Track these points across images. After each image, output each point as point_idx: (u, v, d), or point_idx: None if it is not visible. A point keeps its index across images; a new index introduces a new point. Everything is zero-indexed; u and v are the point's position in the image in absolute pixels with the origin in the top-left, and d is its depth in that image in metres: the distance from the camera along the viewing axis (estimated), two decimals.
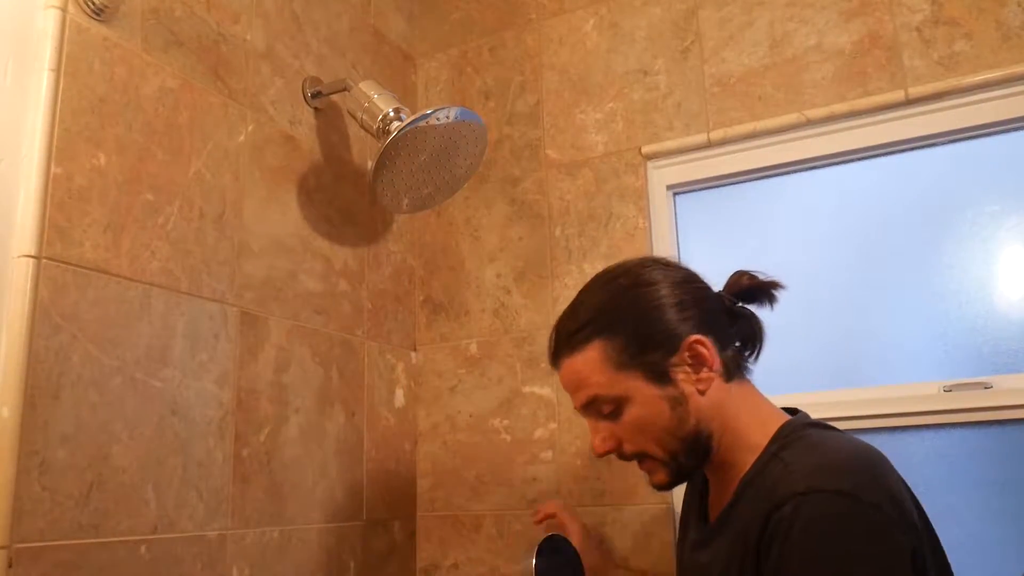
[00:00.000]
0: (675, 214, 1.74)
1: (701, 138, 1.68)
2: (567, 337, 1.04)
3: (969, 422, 1.44)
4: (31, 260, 1.07)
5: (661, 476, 1.03)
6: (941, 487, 1.43)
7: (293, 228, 1.55)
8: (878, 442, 1.55)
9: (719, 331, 1.03)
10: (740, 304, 1.10)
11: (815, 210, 1.64)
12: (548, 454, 1.70)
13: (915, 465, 1.46)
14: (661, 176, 1.74)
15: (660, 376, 0.99)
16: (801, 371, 1.58)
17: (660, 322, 1.00)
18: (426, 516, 1.81)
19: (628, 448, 1.02)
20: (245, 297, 1.42)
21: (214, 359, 1.34)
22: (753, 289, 1.09)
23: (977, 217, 1.50)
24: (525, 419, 1.74)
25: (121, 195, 1.22)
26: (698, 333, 1.00)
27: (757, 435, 1.00)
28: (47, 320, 1.08)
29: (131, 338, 1.20)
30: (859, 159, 1.61)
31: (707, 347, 1.00)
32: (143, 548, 1.18)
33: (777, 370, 1.57)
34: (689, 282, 1.06)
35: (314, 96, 1.63)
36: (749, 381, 1.08)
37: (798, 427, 1.00)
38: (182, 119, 1.34)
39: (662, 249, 1.70)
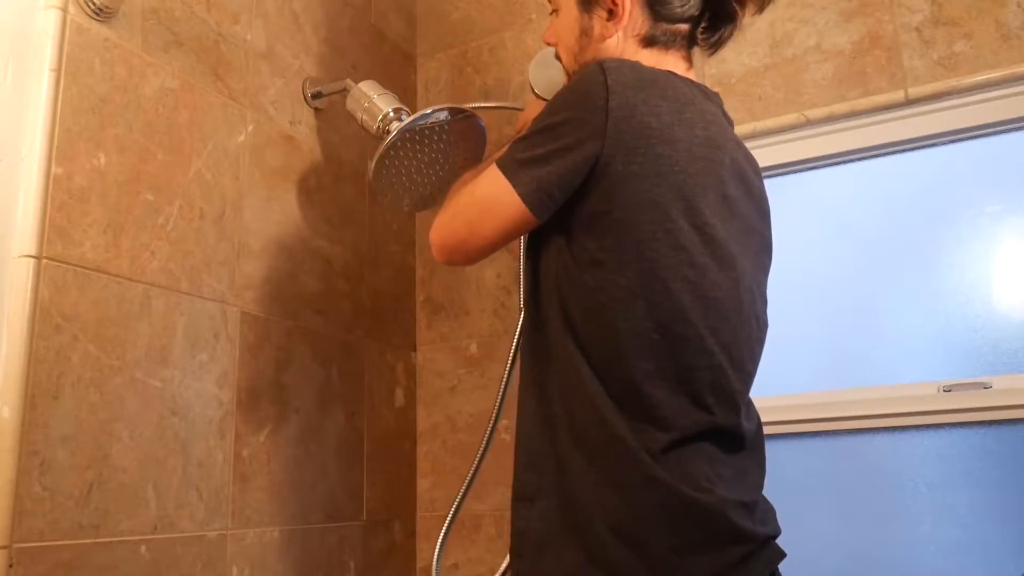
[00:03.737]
0: None
1: None
2: None
3: (968, 422, 1.44)
4: (31, 260, 1.08)
5: None
6: (941, 487, 1.43)
7: (293, 228, 1.55)
8: (878, 442, 1.58)
9: (663, 5, 1.07)
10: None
11: (815, 210, 1.64)
12: None
13: (915, 465, 1.46)
14: None
15: (585, 5, 1.09)
16: (801, 371, 1.59)
17: None
18: (426, 516, 1.81)
19: (549, 39, 1.17)
20: (245, 297, 1.42)
21: (214, 359, 1.34)
22: None
23: (977, 217, 1.50)
24: None
25: (121, 195, 1.22)
26: None
27: None
28: (47, 320, 1.08)
29: (131, 338, 1.20)
30: (859, 159, 1.61)
31: (623, 6, 1.05)
32: (143, 548, 1.18)
33: (777, 370, 1.58)
34: None
35: (314, 96, 1.63)
36: (676, 59, 1.09)
37: None
38: (182, 119, 1.34)
39: None
